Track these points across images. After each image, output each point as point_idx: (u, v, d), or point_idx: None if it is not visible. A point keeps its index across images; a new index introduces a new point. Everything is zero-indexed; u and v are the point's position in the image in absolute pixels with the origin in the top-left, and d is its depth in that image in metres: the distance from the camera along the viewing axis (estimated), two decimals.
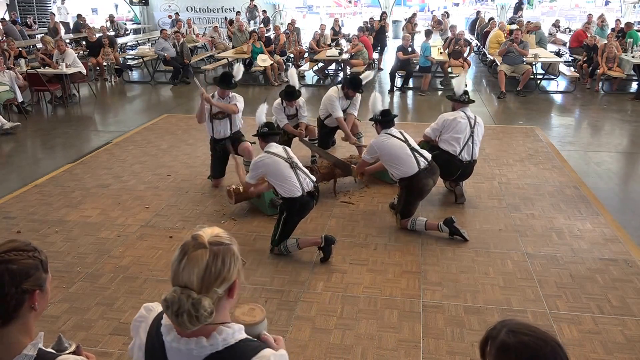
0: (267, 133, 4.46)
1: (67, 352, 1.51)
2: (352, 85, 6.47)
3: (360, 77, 6.73)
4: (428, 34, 12.13)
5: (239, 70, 5.91)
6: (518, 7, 19.52)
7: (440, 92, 11.32)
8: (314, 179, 4.43)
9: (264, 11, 18.72)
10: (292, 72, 6.56)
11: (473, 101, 5.53)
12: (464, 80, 5.54)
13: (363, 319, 3.62)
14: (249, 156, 5.65)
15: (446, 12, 18.72)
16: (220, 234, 1.40)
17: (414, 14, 16.93)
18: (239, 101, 5.76)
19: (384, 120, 4.88)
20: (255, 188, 4.76)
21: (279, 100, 6.37)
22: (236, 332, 1.37)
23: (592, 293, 3.90)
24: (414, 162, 4.67)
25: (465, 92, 5.44)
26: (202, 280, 1.30)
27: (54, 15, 17.50)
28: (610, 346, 3.33)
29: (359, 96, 6.68)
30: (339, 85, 6.65)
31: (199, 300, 1.27)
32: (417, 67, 11.58)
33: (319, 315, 3.66)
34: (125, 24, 19.04)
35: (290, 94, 6.19)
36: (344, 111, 6.60)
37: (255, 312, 1.66)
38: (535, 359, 1.38)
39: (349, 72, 11.61)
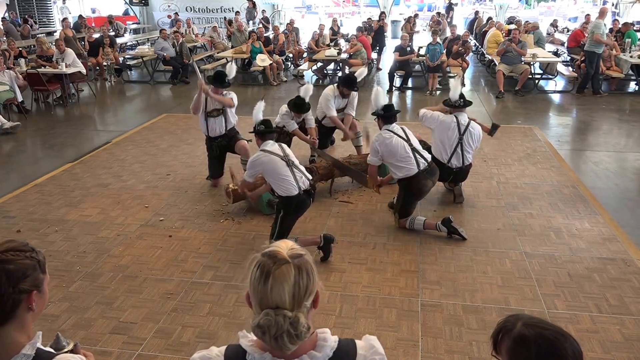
0: (264, 131, 4.43)
1: (65, 350, 1.51)
2: (347, 83, 6.46)
3: (355, 74, 6.73)
4: (435, 33, 12.11)
5: (231, 69, 5.88)
6: (449, 8, 19.53)
7: (439, 92, 11.33)
8: (310, 177, 4.43)
9: (263, 11, 18.73)
10: (309, 88, 6.24)
11: (470, 103, 5.48)
12: (460, 84, 5.50)
13: (362, 318, 3.64)
14: (246, 154, 5.65)
15: (444, 13, 18.74)
16: (295, 246, 1.33)
17: (416, 14, 16.98)
18: (234, 96, 5.81)
19: (386, 115, 4.87)
20: (253, 192, 4.72)
21: (286, 107, 6.18)
22: (331, 335, 1.36)
23: (590, 292, 3.91)
24: (414, 163, 4.68)
25: (461, 96, 5.36)
26: (293, 297, 1.25)
27: None
28: (608, 345, 3.34)
29: (355, 95, 6.67)
30: (335, 85, 6.65)
31: (296, 318, 1.23)
32: (426, 67, 11.54)
33: (318, 314, 3.67)
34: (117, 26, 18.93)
35: (299, 107, 5.99)
36: (342, 110, 6.60)
37: None
38: (555, 352, 1.39)
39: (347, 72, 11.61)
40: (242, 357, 1.33)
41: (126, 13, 21.78)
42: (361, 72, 7.01)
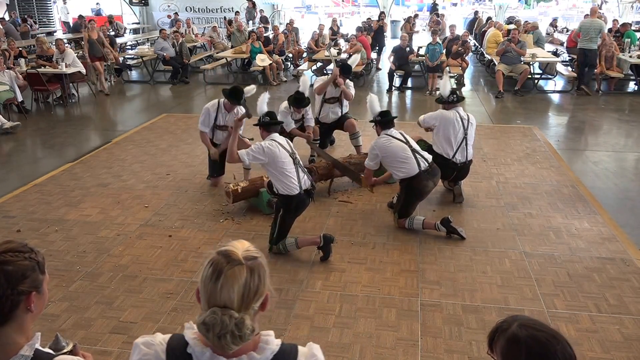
0: (269, 122, 4.41)
1: (64, 351, 1.51)
2: (342, 70, 6.54)
3: (349, 62, 6.81)
4: (434, 33, 12.12)
5: (251, 90, 5.70)
6: (433, 7, 19.63)
7: (438, 92, 11.30)
8: (310, 177, 4.44)
9: (261, 10, 18.73)
10: (305, 79, 6.45)
11: (463, 98, 5.50)
12: (449, 82, 5.51)
13: (361, 317, 3.64)
14: None
15: (442, 13, 18.78)
16: (250, 248, 1.35)
17: (416, 14, 16.99)
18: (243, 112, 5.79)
19: (384, 120, 4.90)
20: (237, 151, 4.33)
21: (286, 104, 6.24)
22: (274, 339, 1.37)
23: (589, 292, 3.92)
24: (415, 163, 4.69)
25: (453, 92, 5.38)
26: (242, 298, 1.26)
27: None
28: (607, 345, 3.35)
29: (351, 84, 6.77)
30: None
31: (242, 319, 1.24)
32: (425, 67, 11.55)
33: (318, 313, 3.68)
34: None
35: (299, 101, 6.08)
36: (338, 98, 6.71)
37: None
38: (545, 354, 1.40)
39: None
40: (183, 348, 1.33)
41: (98, 13, 21.42)
42: (355, 59, 7.10)
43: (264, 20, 17.55)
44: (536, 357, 1.41)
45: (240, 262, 1.28)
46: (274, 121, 4.44)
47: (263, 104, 4.68)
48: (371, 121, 5.06)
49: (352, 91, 6.75)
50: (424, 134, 6.03)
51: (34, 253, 1.41)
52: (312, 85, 6.94)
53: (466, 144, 5.29)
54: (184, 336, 1.35)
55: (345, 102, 6.78)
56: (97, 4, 22.25)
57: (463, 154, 5.30)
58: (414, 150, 4.76)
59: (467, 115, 5.38)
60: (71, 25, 18.60)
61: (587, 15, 11.47)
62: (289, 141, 4.42)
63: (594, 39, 10.55)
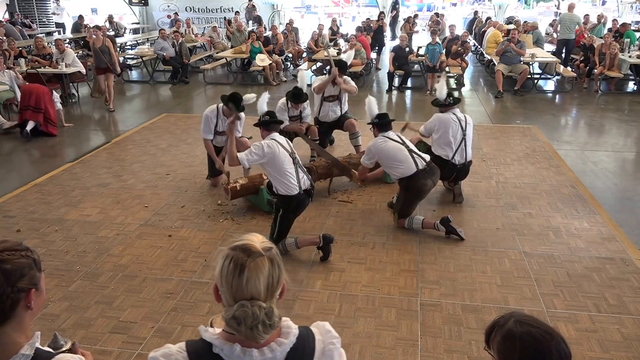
0: (269, 121, 4.41)
1: (63, 349, 1.51)
2: (338, 66, 6.57)
3: (343, 58, 6.86)
4: (434, 33, 12.12)
5: (250, 98, 5.42)
6: (393, 7, 19.77)
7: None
8: (310, 177, 4.44)
9: (255, 10, 18.68)
10: (302, 74, 6.52)
11: (459, 100, 5.53)
12: (445, 85, 5.54)
13: (361, 317, 3.64)
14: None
15: (442, 13, 18.80)
16: (264, 239, 1.38)
17: (416, 15, 17.03)
18: (242, 119, 5.69)
19: (381, 123, 4.91)
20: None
21: (284, 100, 6.31)
22: (291, 322, 1.41)
23: (589, 291, 3.92)
24: (412, 162, 4.70)
25: (449, 94, 5.41)
26: (267, 288, 1.30)
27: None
28: (607, 344, 3.35)
29: (349, 80, 6.80)
30: (325, 74, 6.80)
31: (270, 308, 1.29)
32: (425, 67, 11.56)
33: (317, 313, 3.69)
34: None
35: (297, 96, 6.13)
36: (337, 96, 6.73)
37: None
38: (540, 350, 1.42)
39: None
40: (208, 349, 1.34)
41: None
42: (349, 55, 7.17)
43: (256, 19, 17.51)
44: (531, 353, 1.42)
45: (261, 254, 1.31)
46: (273, 120, 4.44)
47: (263, 103, 4.71)
48: (369, 123, 5.08)
49: (353, 84, 6.76)
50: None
51: (30, 251, 1.41)
52: (310, 85, 6.96)
53: (465, 145, 5.31)
54: (202, 340, 1.35)
55: (345, 101, 6.80)
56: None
57: (462, 155, 5.31)
58: (410, 151, 4.77)
59: (465, 116, 5.42)
60: (64, 26, 18.63)
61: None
62: (288, 141, 4.42)
63: (572, 31, 12.35)
